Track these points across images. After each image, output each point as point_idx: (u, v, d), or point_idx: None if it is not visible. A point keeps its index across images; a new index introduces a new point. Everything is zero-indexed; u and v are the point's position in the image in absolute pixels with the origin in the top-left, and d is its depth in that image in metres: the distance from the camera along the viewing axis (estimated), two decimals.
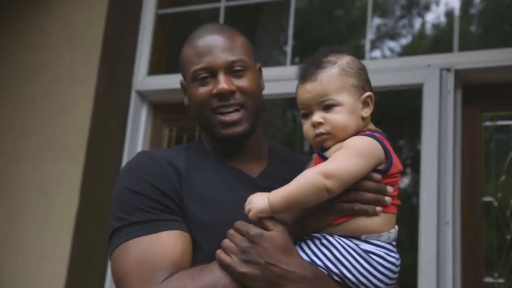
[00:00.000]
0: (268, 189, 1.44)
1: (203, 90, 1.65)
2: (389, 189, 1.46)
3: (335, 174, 1.37)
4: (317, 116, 1.48)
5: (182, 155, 1.68)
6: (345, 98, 1.48)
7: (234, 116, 1.64)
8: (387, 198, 1.45)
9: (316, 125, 1.48)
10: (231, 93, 1.63)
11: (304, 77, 1.53)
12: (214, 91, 1.63)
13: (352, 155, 1.41)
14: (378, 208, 1.44)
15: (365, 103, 1.52)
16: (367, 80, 1.55)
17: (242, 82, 1.66)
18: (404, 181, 7.17)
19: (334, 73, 1.49)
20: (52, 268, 3.18)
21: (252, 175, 1.69)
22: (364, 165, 1.42)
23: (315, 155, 1.56)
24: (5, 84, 3.66)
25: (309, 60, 1.56)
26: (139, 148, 3.51)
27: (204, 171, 1.65)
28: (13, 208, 3.38)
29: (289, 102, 6.08)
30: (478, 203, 2.85)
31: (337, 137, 1.48)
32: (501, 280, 2.77)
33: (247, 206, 1.42)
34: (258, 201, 1.41)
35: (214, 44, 1.67)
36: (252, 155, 1.73)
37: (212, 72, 1.65)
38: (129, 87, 3.56)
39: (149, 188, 1.55)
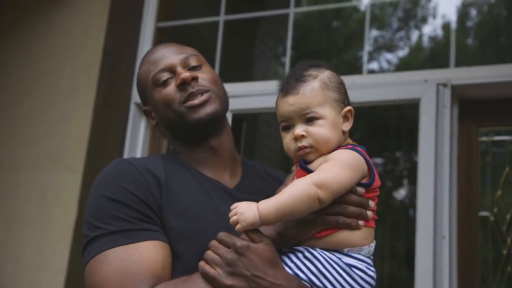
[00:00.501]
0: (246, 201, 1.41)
1: (167, 90, 1.66)
2: (371, 203, 1.47)
3: (326, 184, 1.36)
4: (300, 129, 1.47)
5: (160, 164, 1.64)
6: (327, 112, 1.48)
7: (202, 97, 1.64)
8: (369, 213, 1.46)
9: (298, 138, 1.47)
10: (194, 79, 1.65)
11: (285, 90, 1.51)
12: (178, 81, 1.64)
13: (342, 167, 1.40)
14: (361, 222, 1.44)
15: (345, 117, 1.52)
16: (346, 95, 1.56)
17: (202, 74, 1.69)
18: (401, 193, 7.18)
19: (316, 87, 1.49)
20: (50, 278, 3.18)
21: (229, 186, 1.67)
22: (352, 177, 1.42)
23: (295, 168, 1.55)
24: (5, 94, 3.66)
25: (290, 73, 1.55)
26: None
27: (182, 180, 1.61)
28: (12, 218, 3.38)
29: None
30: (475, 217, 2.85)
31: (319, 150, 1.47)
32: None
33: (234, 217, 1.35)
34: (247, 213, 1.34)
35: (166, 51, 1.72)
36: (226, 164, 1.72)
37: (170, 71, 1.67)
38: (128, 99, 3.57)
39: (129, 196, 1.50)
